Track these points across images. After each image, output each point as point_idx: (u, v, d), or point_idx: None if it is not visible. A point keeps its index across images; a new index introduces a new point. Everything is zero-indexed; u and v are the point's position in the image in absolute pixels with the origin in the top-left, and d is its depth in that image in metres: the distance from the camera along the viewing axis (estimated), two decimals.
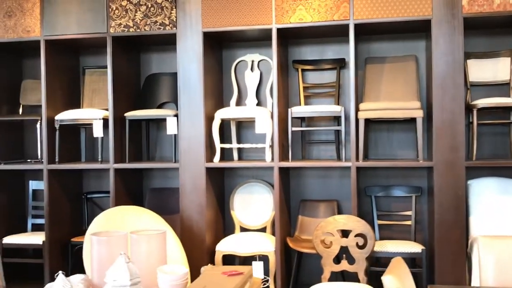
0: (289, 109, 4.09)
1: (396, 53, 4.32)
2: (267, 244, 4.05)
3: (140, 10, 4.20)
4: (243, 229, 4.46)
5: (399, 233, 4.27)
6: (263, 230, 4.43)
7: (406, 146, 4.32)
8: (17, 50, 4.86)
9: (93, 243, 2.53)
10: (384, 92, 4.20)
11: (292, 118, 4.09)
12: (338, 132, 4.34)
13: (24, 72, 4.98)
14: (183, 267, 2.36)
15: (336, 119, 4.36)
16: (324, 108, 4.03)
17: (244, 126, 4.61)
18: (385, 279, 2.28)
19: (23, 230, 4.89)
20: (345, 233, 3.76)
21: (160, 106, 4.67)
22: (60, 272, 2.40)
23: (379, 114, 3.90)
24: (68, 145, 4.63)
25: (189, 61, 4.14)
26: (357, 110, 3.94)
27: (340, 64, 4.36)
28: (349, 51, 3.92)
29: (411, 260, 4.04)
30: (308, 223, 4.39)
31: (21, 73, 4.98)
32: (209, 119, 4.20)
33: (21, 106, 4.86)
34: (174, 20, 4.15)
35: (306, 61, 4.42)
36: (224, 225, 4.61)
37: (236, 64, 4.58)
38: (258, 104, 4.52)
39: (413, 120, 3.98)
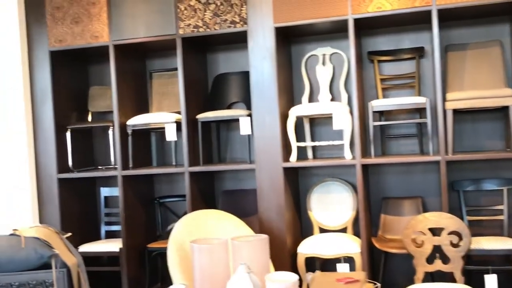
0: (369, 103, 3.90)
1: (478, 39, 4.08)
2: (352, 245, 3.88)
3: (209, 9, 4.08)
4: (322, 230, 4.30)
5: (490, 229, 4.03)
6: (343, 230, 4.27)
7: (493, 136, 4.07)
8: (82, 56, 4.83)
9: (194, 251, 2.41)
10: (468, 80, 3.96)
11: (373, 112, 3.91)
12: (420, 125, 4.13)
13: (90, 79, 4.95)
14: (292, 274, 2.21)
15: (418, 111, 4.15)
16: (407, 100, 3.82)
17: (316, 123, 4.45)
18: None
19: (97, 237, 4.86)
20: (435, 231, 3.55)
21: (229, 107, 4.56)
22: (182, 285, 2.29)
23: (468, 103, 3.67)
24: (139, 150, 4.57)
25: (261, 59, 4.00)
26: (443, 100, 3.72)
27: (419, 53, 4.14)
28: (433, 38, 3.70)
29: (505, 257, 3.80)
30: (392, 222, 4.20)
31: (87, 79, 4.95)
32: (283, 118, 4.06)
33: (89, 113, 4.83)
34: (245, 17, 4.02)
35: (382, 52, 4.22)
36: (301, 226, 4.46)
37: (307, 59, 4.42)
38: (332, 99, 4.35)
39: (500, 109, 3.74)
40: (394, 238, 4.13)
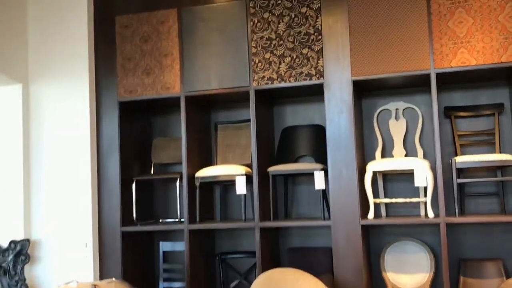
0: (453, 159, 3.77)
1: None
2: None
3: (284, 62, 4.05)
4: None
5: None
6: None
7: None
8: (148, 107, 4.80)
9: None
10: None
11: (456, 169, 3.77)
12: (503, 184, 3.97)
13: (153, 130, 4.90)
14: None
15: (499, 168, 4.00)
16: (492, 157, 3.68)
17: (388, 179, 4.31)
18: None
19: None
20: None
21: (297, 160, 4.46)
22: None
23: None
24: (203, 203, 4.44)
25: (338, 112, 3.92)
26: None
27: (498, 109, 4.03)
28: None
29: None
30: (472, 285, 3.97)
31: (151, 130, 4.90)
32: (360, 173, 3.93)
33: (152, 164, 4.75)
34: (321, 70, 3.97)
35: (461, 108, 4.12)
36: (373, 287, 4.25)
37: (378, 113, 4.33)
38: (406, 155, 4.23)
39: None
40: None
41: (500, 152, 4.00)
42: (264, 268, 4.04)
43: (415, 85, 4.20)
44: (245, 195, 4.15)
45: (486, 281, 3.95)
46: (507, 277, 3.93)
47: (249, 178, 4.22)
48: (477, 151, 4.11)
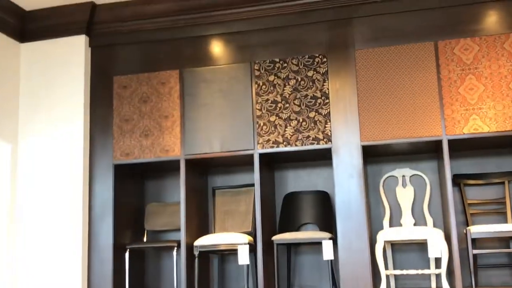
0: (467, 229, 3.62)
1: None
2: None
3: (290, 125, 3.93)
4: None
5: None
6: None
7: None
8: (142, 171, 4.58)
9: None
10: None
11: (472, 239, 3.62)
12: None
13: (146, 195, 4.66)
14: None
15: (511, 238, 3.87)
16: (509, 227, 3.55)
17: (396, 249, 4.12)
18: None
19: None
20: None
21: (300, 228, 4.25)
22: None
23: None
24: (200, 274, 4.16)
25: (348, 177, 3.78)
26: None
27: (508, 177, 3.95)
28: None
29: None
30: None
31: (144, 195, 4.65)
32: (370, 242, 3.75)
33: (145, 231, 4.48)
34: (329, 134, 3.85)
35: (470, 175, 4.02)
36: None
37: (384, 180, 4.20)
38: (415, 224, 4.07)
39: None
40: None
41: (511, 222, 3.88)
42: None
43: (421, 151, 4.11)
44: (247, 265, 3.90)
45: None
46: None
47: (250, 247, 3.99)
48: (487, 221, 3.98)
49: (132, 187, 4.46)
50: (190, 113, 4.12)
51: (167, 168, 4.49)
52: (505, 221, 3.93)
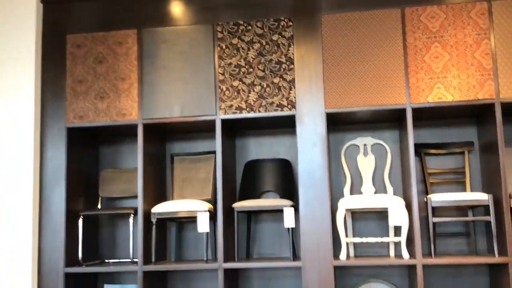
0: (428, 198, 3.64)
1: None
2: None
3: (254, 91, 3.81)
4: None
5: None
6: None
7: None
8: (96, 135, 4.39)
9: None
10: None
11: (432, 208, 3.64)
12: (474, 224, 3.89)
13: (101, 161, 4.47)
14: None
15: (471, 208, 3.91)
16: (467, 196, 3.58)
17: (356, 217, 4.12)
18: None
19: None
20: None
21: (260, 196, 4.18)
22: None
23: None
24: (157, 242, 4.04)
25: (311, 145, 3.71)
26: (506, 197, 3.50)
27: (468, 148, 3.98)
28: (496, 132, 3.53)
29: None
30: None
31: (98, 161, 4.47)
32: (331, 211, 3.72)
33: (100, 198, 4.31)
34: (293, 100, 3.76)
35: (432, 145, 4.03)
36: None
37: (346, 149, 4.16)
38: (376, 192, 4.07)
39: None
40: None
41: (470, 191, 3.92)
42: None
43: (384, 120, 4.09)
44: (207, 233, 3.81)
45: None
46: None
47: (210, 215, 3.89)
48: (446, 190, 4.02)
49: (86, 152, 4.27)
50: (148, 76, 3.94)
51: (124, 133, 4.31)
52: (464, 191, 3.98)
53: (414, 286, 3.62)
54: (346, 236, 4.02)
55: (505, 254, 3.44)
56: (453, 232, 3.97)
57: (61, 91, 4.02)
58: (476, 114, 3.94)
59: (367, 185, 4.05)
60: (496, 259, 3.43)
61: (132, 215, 3.95)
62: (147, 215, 3.89)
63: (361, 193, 4.08)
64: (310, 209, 3.66)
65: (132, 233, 4.01)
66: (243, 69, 3.84)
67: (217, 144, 3.82)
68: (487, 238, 3.87)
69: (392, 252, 3.92)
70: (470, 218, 3.61)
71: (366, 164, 4.10)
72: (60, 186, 3.90)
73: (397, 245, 4.00)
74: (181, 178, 4.27)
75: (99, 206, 4.29)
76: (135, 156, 4.39)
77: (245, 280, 4.17)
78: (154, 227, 3.86)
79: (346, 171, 4.09)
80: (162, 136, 4.37)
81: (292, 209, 3.74)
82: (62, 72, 4.04)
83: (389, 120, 4.08)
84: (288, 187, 4.11)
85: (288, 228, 3.79)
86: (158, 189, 4.18)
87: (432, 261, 3.49)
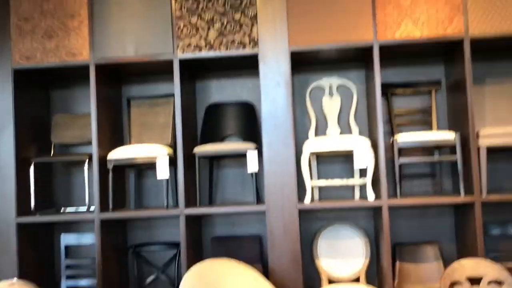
0: (394, 138, 3.54)
1: (505, 75, 3.88)
2: None
3: (213, 28, 3.59)
4: (331, 281, 3.81)
5: None
6: (354, 281, 3.80)
7: (510, 176, 3.85)
8: (45, 78, 4.11)
9: None
10: (489, 114, 3.73)
11: (399, 149, 3.55)
12: (440, 164, 3.83)
13: (53, 105, 4.21)
14: None
15: (437, 148, 3.84)
16: (434, 135, 3.50)
17: (321, 161, 4.01)
18: None
19: None
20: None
21: (223, 140, 4.02)
22: None
23: (504, 141, 3.41)
24: (114, 190, 3.86)
25: (275, 86, 3.54)
26: (474, 137, 3.44)
27: (435, 87, 3.87)
28: (465, 69, 3.43)
29: None
30: (408, 270, 3.79)
31: (50, 106, 4.21)
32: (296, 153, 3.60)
33: (52, 145, 4.08)
34: (256, 38, 3.56)
35: (398, 84, 3.91)
36: (305, 276, 3.94)
37: (310, 90, 4.01)
38: (341, 134, 3.96)
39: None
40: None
41: (437, 131, 3.84)
42: (188, 260, 3.58)
43: (350, 59, 3.93)
44: (167, 180, 3.65)
45: (423, 265, 3.79)
46: (444, 260, 3.81)
47: (170, 160, 3.73)
48: (413, 131, 3.93)
49: (36, 96, 4.00)
50: (99, 12, 3.66)
51: (76, 75, 4.05)
52: (431, 131, 3.89)
53: (380, 228, 3.57)
54: (311, 179, 3.92)
55: (471, 193, 3.40)
56: (419, 173, 3.92)
57: (5, 30, 3.72)
58: (444, 52, 3.81)
59: (333, 127, 3.93)
60: (463, 198, 3.38)
61: (86, 161, 3.74)
62: (103, 161, 3.69)
63: (326, 135, 3.96)
64: (274, 152, 3.52)
65: (88, 180, 3.81)
66: (201, 5, 3.60)
67: (176, 86, 3.61)
68: (453, 179, 3.82)
69: (357, 195, 3.85)
70: (436, 158, 3.54)
71: (331, 105, 3.97)
72: (9, 132, 3.66)
73: (362, 187, 3.92)
74: (138, 123, 4.07)
75: (52, 153, 4.07)
76: (89, 100, 4.15)
77: (208, 226, 4.06)
78: (110, 174, 3.67)
79: (311, 113, 3.95)
80: (117, 78, 4.12)
81: (256, 152, 3.60)
82: (6, 9, 3.72)
83: (355, 59, 3.92)
84: (251, 130, 3.96)
85: (252, 173, 3.66)
86: (114, 135, 3.97)
87: (397, 202, 3.42)
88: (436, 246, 3.80)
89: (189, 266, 3.55)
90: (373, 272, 3.88)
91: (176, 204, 4.02)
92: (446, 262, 3.78)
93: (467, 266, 3.24)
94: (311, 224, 3.98)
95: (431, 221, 3.90)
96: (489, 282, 3.20)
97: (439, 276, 3.71)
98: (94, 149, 3.62)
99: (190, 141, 3.82)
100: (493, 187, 3.84)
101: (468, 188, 3.47)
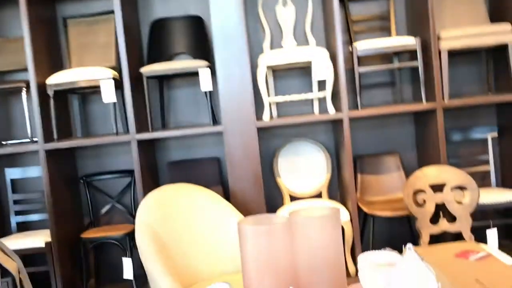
0: (354, 46, 3.36)
1: None
2: (341, 214, 3.36)
3: None
4: (293, 199, 3.73)
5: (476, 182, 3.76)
6: (316, 197, 3.74)
7: (469, 80, 3.77)
8: None
9: (246, 235, 1.71)
10: (449, 18, 3.59)
11: (358, 57, 3.38)
12: (400, 72, 3.70)
13: None
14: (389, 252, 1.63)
15: (397, 55, 3.70)
16: (397, 41, 3.34)
17: (277, 75, 3.82)
18: None
19: (5, 232, 3.83)
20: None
21: (171, 59, 3.76)
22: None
23: (465, 42, 3.28)
24: (57, 118, 3.59)
25: None
26: (434, 40, 3.29)
27: None
28: None
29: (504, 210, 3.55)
30: (370, 181, 3.75)
31: None
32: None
33: None
34: None
35: None
36: (266, 195, 3.85)
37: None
38: (297, 45, 3.75)
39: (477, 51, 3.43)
40: (377, 199, 3.69)
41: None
42: (144, 188, 3.41)
43: None
44: (114, 103, 3.39)
45: (385, 176, 3.75)
46: (405, 170, 3.76)
47: (116, 83, 3.46)
48: (372, 38, 3.76)
49: None
50: None
51: None
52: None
53: (340, 142, 3.46)
54: (268, 95, 3.74)
55: (433, 99, 3.30)
56: (379, 82, 3.79)
57: None
58: None
59: (288, 39, 3.71)
60: (425, 105, 3.29)
61: (24, 89, 3.43)
62: (42, 88, 3.39)
63: (282, 47, 3.74)
64: (227, 69, 3.29)
65: (28, 109, 3.52)
66: None
67: (115, 1, 3.27)
68: (413, 87, 3.72)
69: (316, 109, 3.71)
70: (397, 64, 3.40)
71: (286, 15, 3.72)
72: None
73: (322, 101, 3.78)
74: (77, 44, 3.73)
75: None
76: (20, 22, 3.76)
77: (163, 151, 3.87)
78: (52, 100, 3.38)
79: (264, 24, 3.70)
80: None
81: (208, 70, 3.37)
82: None
83: None
84: (202, 47, 3.70)
85: (206, 92, 3.44)
86: (52, 58, 3.64)
87: (359, 114, 3.30)
88: (397, 156, 3.75)
89: (145, 193, 3.38)
90: (335, 186, 3.82)
91: (126, 130, 3.78)
92: (408, 172, 3.74)
93: (430, 174, 3.19)
94: (270, 142, 3.84)
95: (392, 131, 3.82)
96: (452, 188, 3.17)
97: (401, 186, 3.68)
98: (31, 75, 3.31)
99: (136, 62, 3.54)
100: (453, 92, 3.76)
101: (429, 94, 3.37)
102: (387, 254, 1.65)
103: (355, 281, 1.68)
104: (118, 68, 3.61)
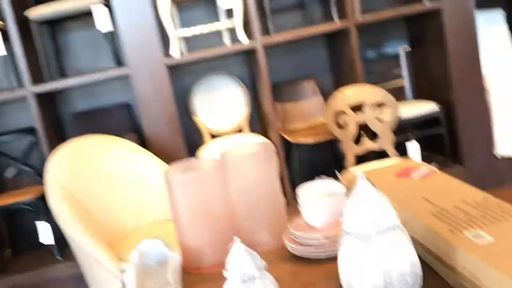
0: None
1: None
2: None
3: None
4: (213, 137, 3.58)
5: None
6: (238, 132, 3.61)
7: None
8: None
9: (176, 185, 1.55)
10: None
11: None
12: None
13: None
14: (334, 183, 1.53)
15: None
16: None
17: (181, 8, 3.55)
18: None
19: None
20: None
21: None
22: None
23: None
24: None
25: None
26: None
27: None
28: None
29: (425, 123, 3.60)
30: (289, 109, 3.66)
31: None
32: None
33: None
34: None
35: None
36: (185, 137, 3.66)
37: None
38: None
39: None
40: (299, 127, 3.62)
41: None
42: (50, 145, 3.12)
43: None
44: (4, 57, 3.01)
45: (303, 102, 3.68)
46: (323, 94, 3.69)
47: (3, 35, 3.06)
48: None
49: None
50: None
51: None
52: None
53: (256, 72, 3.31)
54: (175, 29, 3.48)
55: (344, 17, 3.20)
56: (288, 5, 3.62)
57: None
58: None
59: None
60: (338, 24, 3.18)
61: None
62: None
63: None
64: (125, 3, 2.99)
65: None
66: None
67: None
68: (323, 7, 3.59)
69: (227, 41, 3.51)
70: None
71: None
72: None
73: (232, 32, 3.56)
74: None
75: None
76: None
77: (65, 102, 3.55)
78: None
79: None
80: None
81: (104, 7, 3.05)
82: None
83: None
84: None
85: (106, 33, 3.13)
86: None
87: (272, 40, 3.15)
88: (313, 81, 3.67)
89: (52, 151, 3.09)
90: (255, 119, 3.69)
91: (20, 84, 3.41)
92: (325, 96, 3.68)
93: (349, 94, 3.13)
94: (182, 80, 3.62)
95: (305, 57, 3.71)
96: (371, 106, 3.14)
97: (320, 111, 3.62)
98: None
99: (21, 6, 3.14)
100: (363, 9, 3.68)
101: (341, 13, 3.26)
102: (325, 183, 1.55)
103: (293, 214, 1.58)
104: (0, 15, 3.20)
